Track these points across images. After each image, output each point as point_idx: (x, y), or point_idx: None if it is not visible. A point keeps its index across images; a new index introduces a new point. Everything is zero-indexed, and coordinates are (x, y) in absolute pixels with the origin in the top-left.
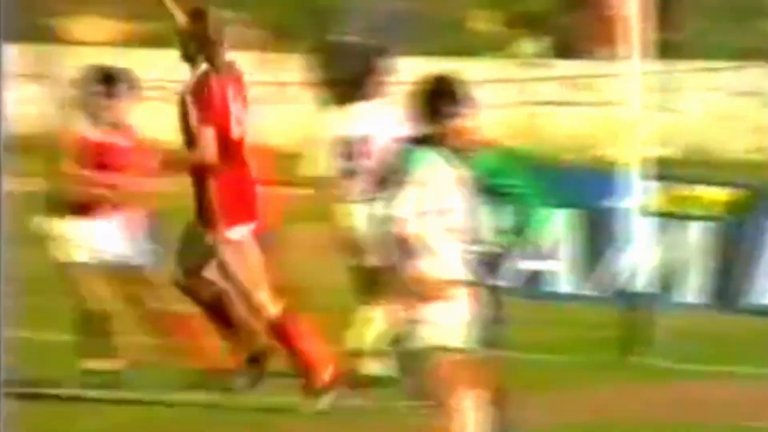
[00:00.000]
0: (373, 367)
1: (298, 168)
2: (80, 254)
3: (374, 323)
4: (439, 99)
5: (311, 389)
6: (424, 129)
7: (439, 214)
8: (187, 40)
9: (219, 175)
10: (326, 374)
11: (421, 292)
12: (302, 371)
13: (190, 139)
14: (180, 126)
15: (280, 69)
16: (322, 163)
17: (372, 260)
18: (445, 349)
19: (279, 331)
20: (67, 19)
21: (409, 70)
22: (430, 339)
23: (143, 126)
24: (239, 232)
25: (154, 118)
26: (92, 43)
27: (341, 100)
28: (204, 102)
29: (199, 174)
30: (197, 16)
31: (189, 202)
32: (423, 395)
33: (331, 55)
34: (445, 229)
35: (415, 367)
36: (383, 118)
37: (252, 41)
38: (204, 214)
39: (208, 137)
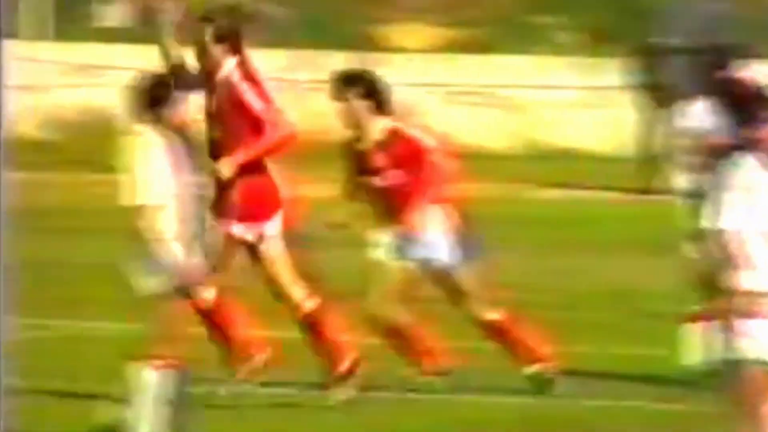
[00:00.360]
0: None
1: (632, 174)
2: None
3: (699, 337)
4: (755, 104)
5: (340, 381)
6: (743, 133)
7: (760, 222)
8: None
9: (258, 169)
10: (354, 366)
11: (743, 305)
12: (333, 364)
13: (245, 124)
14: (221, 116)
15: (599, 73)
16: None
17: (701, 266)
18: (761, 363)
19: (312, 324)
20: (386, 26)
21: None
22: (747, 352)
23: (460, 130)
24: (274, 227)
25: (470, 123)
26: (410, 50)
27: (664, 103)
28: (261, 86)
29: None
30: (225, 13)
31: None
32: (735, 404)
33: (655, 58)
34: (764, 236)
35: (730, 378)
36: (709, 121)
37: (570, 45)
38: (236, 210)
39: (284, 115)
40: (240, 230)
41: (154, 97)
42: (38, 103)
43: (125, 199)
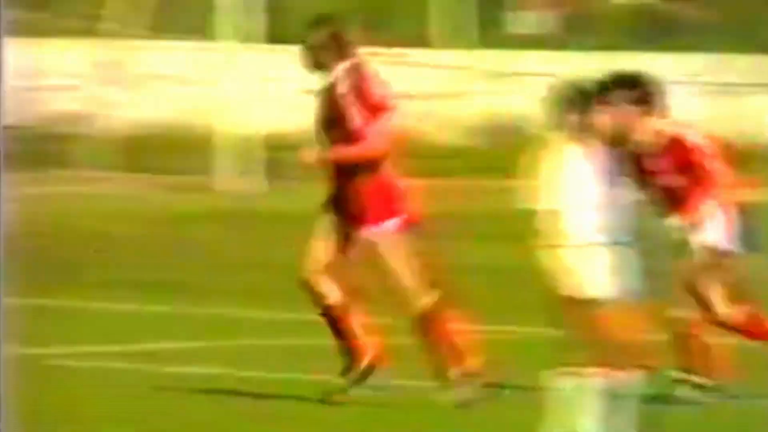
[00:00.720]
0: None
1: None
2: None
3: None
4: None
5: (453, 381)
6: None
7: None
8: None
9: (375, 169)
10: (469, 367)
11: None
12: (445, 364)
13: (344, 133)
14: (326, 122)
15: None
16: None
17: None
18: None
19: (427, 323)
20: None
21: None
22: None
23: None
24: (391, 226)
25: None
26: None
27: None
28: (365, 96)
29: (348, 170)
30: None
31: None
32: None
33: None
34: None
35: None
36: None
37: None
38: (353, 210)
39: (380, 128)
40: (366, 229)
41: (576, 103)
42: (457, 110)
43: (541, 205)
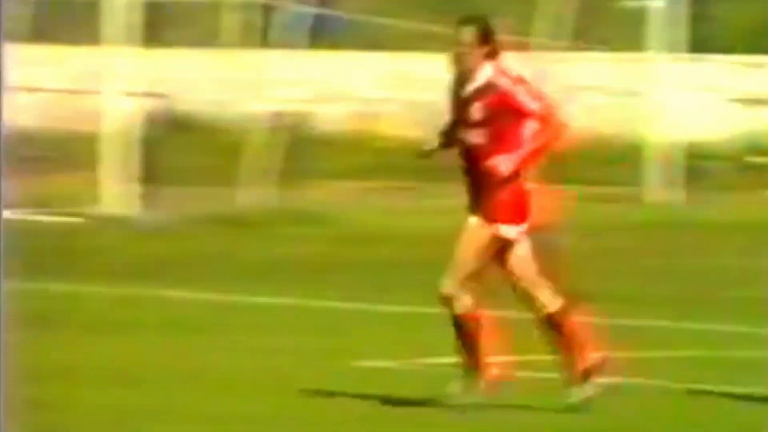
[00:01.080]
0: None
1: None
2: None
3: None
4: None
5: (580, 383)
6: None
7: None
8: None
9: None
10: (595, 368)
11: None
12: (574, 367)
13: (508, 127)
14: (479, 121)
15: None
16: None
17: None
18: None
19: (555, 327)
20: None
21: None
22: None
23: None
24: (522, 229)
25: None
26: None
27: None
28: (529, 85)
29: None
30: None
31: None
32: None
33: None
34: None
35: None
36: None
37: None
38: (489, 210)
39: (553, 106)
40: (504, 231)
41: None
42: None
43: None
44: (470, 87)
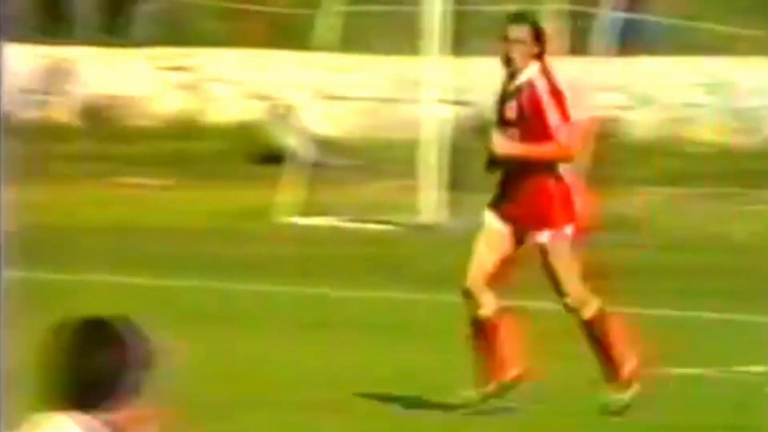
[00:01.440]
0: None
1: None
2: None
3: None
4: None
5: (619, 387)
6: None
7: None
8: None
9: (555, 172)
10: (632, 372)
11: None
12: (611, 369)
13: (536, 133)
14: (516, 120)
15: None
16: None
17: None
18: None
19: (593, 330)
20: None
21: None
22: None
23: None
24: (567, 231)
25: None
26: None
27: None
28: (562, 99)
29: (526, 169)
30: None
31: None
32: None
33: None
34: None
35: None
36: None
37: None
38: (527, 212)
39: (576, 132)
40: (535, 234)
41: None
42: None
43: None
44: (512, 85)
